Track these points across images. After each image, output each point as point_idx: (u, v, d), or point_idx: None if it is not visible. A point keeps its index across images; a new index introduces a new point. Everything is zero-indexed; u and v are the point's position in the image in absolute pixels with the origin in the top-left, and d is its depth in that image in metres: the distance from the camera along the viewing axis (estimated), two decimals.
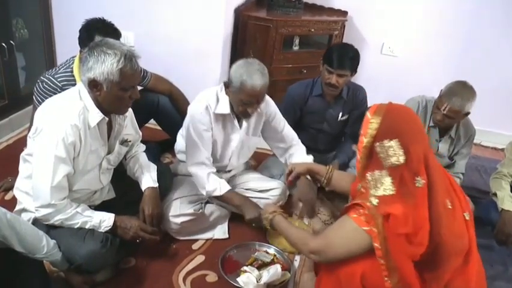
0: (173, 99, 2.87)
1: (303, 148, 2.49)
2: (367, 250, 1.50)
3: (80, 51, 2.36)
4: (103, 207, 2.05)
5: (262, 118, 2.41)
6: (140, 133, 2.22)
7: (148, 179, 2.09)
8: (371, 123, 1.51)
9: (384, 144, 1.48)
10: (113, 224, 1.90)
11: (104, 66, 1.69)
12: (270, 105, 2.43)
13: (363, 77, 3.79)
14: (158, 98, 2.85)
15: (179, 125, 2.54)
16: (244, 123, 2.33)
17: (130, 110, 2.06)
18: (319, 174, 2.05)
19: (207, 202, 2.45)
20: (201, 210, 2.36)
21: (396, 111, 1.54)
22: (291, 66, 3.66)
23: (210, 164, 2.28)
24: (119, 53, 1.70)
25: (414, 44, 3.96)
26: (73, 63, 2.40)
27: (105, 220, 1.89)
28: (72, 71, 2.38)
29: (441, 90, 2.48)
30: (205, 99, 2.24)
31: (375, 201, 1.50)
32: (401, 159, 1.46)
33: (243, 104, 2.14)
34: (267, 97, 2.43)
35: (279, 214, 1.91)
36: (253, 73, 2.07)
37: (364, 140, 1.53)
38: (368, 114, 1.55)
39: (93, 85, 1.74)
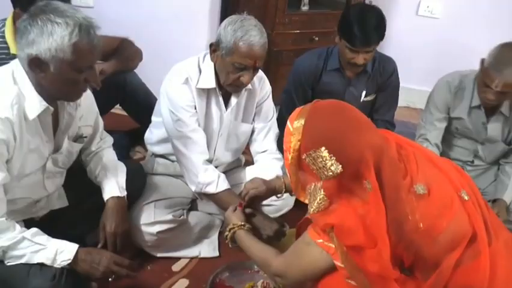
0: (121, 51, 2.87)
1: (279, 154, 2.52)
2: (331, 271, 1.59)
3: (15, 12, 2.37)
4: (49, 219, 2.05)
5: (255, 99, 2.45)
6: (102, 125, 2.23)
7: (113, 186, 2.10)
8: (293, 135, 1.59)
9: (311, 155, 1.55)
10: (75, 257, 1.81)
11: (52, 40, 1.65)
12: (265, 84, 2.47)
13: (393, 45, 3.83)
14: (125, 77, 2.89)
15: (151, 111, 2.57)
16: (232, 103, 2.36)
17: (90, 94, 2.07)
18: (275, 190, 2.19)
19: (191, 208, 2.49)
20: (182, 217, 2.39)
21: (319, 112, 1.60)
22: (298, 33, 3.69)
23: (206, 150, 2.32)
24: (72, 23, 1.66)
25: (459, 2, 4.00)
26: (3, 26, 2.41)
27: (63, 251, 1.79)
28: (4, 37, 2.38)
29: (482, 60, 2.48)
30: (185, 71, 2.27)
31: (312, 217, 1.60)
32: (337, 168, 1.52)
33: (236, 70, 2.16)
34: (263, 74, 2.46)
35: (240, 228, 1.99)
36: (249, 29, 2.10)
37: (288, 156, 1.62)
38: (289, 123, 1.63)
39: (35, 64, 1.70)
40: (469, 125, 2.71)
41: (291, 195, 2.31)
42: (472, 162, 2.81)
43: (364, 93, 2.83)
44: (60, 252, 1.79)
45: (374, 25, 2.52)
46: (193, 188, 2.30)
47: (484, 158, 2.79)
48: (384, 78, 2.82)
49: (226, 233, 2.02)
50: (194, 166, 2.28)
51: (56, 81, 1.73)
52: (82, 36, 1.67)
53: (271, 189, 2.18)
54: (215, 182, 2.27)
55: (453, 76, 2.69)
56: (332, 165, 1.52)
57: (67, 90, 1.79)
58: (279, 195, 2.20)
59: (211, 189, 2.27)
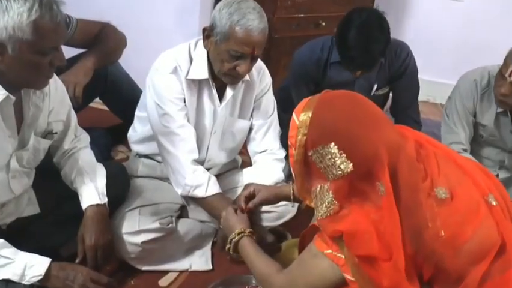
0: (102, 41, 2.83)
1: (281, 154, 2.53)
2: (341, 285, 1.59)
3: None
4: (18, 228, 2.05)
5: (253, 92, 2.45)
6: (75, 120, 2.23)
7: (91, 192, 2.10)
8: (299, 129, 1.59)
9: (319, 151, 1.55)
10: (47, 272, 1.81)
11: (8, 17, 1.64)
12: (265, 75, 2.47)
13: (412, 32, 3.83)
14: (107, 69, 2.89)
15: (136, 105, 2.58)
16: (227, 96, 2.36)
17: (61, 85, 2.07)
18: (286, 198, 2.20)
19: (180, 216, 2.49)
20: (170, 225, 2.39)
21: (328, 103, 1.60)
22: (303, 17, 3.70)
23: (195, 149, 2.32)
24: None
25: None
26: None
27: (33, 266, 1.80)
28: None
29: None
30: (173, 59, 2.27)
31: (320, 223, 1.60)
32: (347, 167, 1.52)
33: (231, 59, 2.16)
34: (262, 64, 2.46)
35: (248, 235, 2.00)
36: (247, 12, 2.10)
37: (294, 153, 1.62)
38: (295, 115, 1.63)
39: None
40: (495, 132, 2.70)
41: (303, 207, 2.30)
42: (497, 176, 2.76)
43: (376, 85, 2.84)
44: (29, 267, 1.79)
45: (379, 50, 2.51)
46: (180, 191, 2.30)
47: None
48: (397, 65, 2.83)
49: (233, 236, 2.01)
50: (181, 166, 2.28)
51: (15, 65, 1.72)
52: (43, 12, 1.66)
53: (280, 199, 2.21)
54: (204, 184, 2.28)
55: (482, 74, 2.67)
56: (341, 163, 1.52)
57: (29, 76, 1.79)
58: (292, 205, 2.21)
59: (199, 193, 2.28)
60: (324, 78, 2.80)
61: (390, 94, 2.99)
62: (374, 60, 2.54)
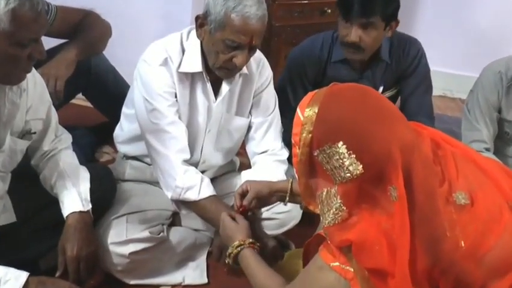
0: (85, 30, 2.81)
1: (283, 155, 2.53)
2: None
3: None
4: None
5: (252, 86, 2.45)
6: (56, 118, 2.23)
7: (74, 198, 2.10)
8: (304, 126, 1.58)
9: (326, 151, 1.54)
10: (24, 287, 1.80)
11: None
12: (265, 68, 2.48)
13: (426, 19, 3.82)
14: (90, 61, 2.89)
15: (122, 101, 2.57)
16: (223, 91, 2.36)
17: (40, 80, 2.07)
18: (282, 192, 2.18)
19: (172, 224, 2.49)
20: (161, 234, 2.39)
21: (337, 97, 1.59)
22: (306, 3, 3.71)
23: (186, 149, 2.32)
24: None
25: None
26: None
27: (9, 280, 1.79)
28: None
29: None
30: (164, 50, 2.27)
31: (327, 231, 1.59)
32: (356, 169, 1.51)
33: (227, 49, 2.16)
34: (262, 56, 2.46)
35: (249, 246, 1.98)
36: None
37: (297, 152, 1.60)
38: (299, 111, 1.62)
39: None
40: None
41: (301, 208, 2.31)
42: None
43: (382, 87, 2.83)
44: (4, 282, 1.78)
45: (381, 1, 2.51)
46: (170, 194, 2.29)
47: None
48: (406, 64, 2.82)
49: (231, 251, 1.99)
50: (171, 166, 2.27)
51: None
52: (22, 0, 1.67)
53: (275, 192, 2.18)
54: (197, 186, 2.27)
55: (507, 64, 2.65)
56: (350, 164, 1.50)
57: (5, 69, 1.80)
58: (285, 202, 2.19)
59: (192, 195, 2.27)
60: (323, 78, 2.80)
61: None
62: (373, 9, 2.49)
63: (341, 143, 1.51)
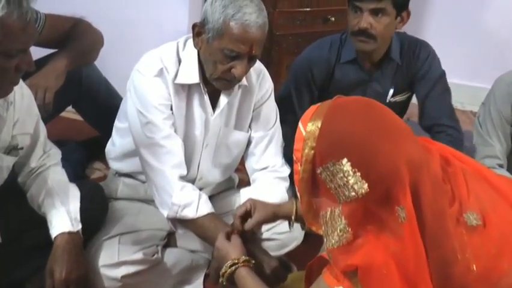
0: (76, 39, 2.80)
1: (284, 172, 2.53)
2: None
3: None
4: None
5: (252, 98, 2.45)
6: (45, 133, 2.23)
7: (63, 218, 2.09)
8: (306, 141, 1.57)
9: (329, 168, 1.53)
10: None
11: None
12: (266, 79, 2.48)
13: (433, 27, 3.82)
14: (81, 72, 2.89)
15: (115, 114, 2.57)
16: (222, 104, 2.35)
17: (28, 93, 2.07)
18: (287, 217, 2.17)
19: (167, 245, 2.48)
20: (156, 256, 2.38)
21: (341, 111, 1.58)
22: (309, 11, 3.71)
23: (183, 164, 2.31)
24: None
25: None
26: None
27: None
28: None
29: None
30: (159, 60, 2.26)
31: (330, 254, 1.58)
32: (361, 187, 1.50)
33: (226, 59, 2.15)
34: (262, 66, 2.46)
35: (244, 265, 1.98)
36: (244, 4, 2.09)
37: (299, 169, 1.60)
38: (301, 125, 1.61)
39: None
40: None
41: (303, 228, 2.28)
42: None
43: (392, 90, 2.84)
44: None
45: None
46: (166, 213, 2.27)
47: None
48: (416, 67, 2.82)
49: (225, 270, 1.98)
50: (167, 182, 2.26)
51: None
52: (10, 8, 1.67)
53: (280, 218, 2.19)
54: (194, 203, 2.25)
55: None
56: (355, 183, 1.49)
57: None
58: (290, 227, 2.18)
59: (189, 213, 2.25)
60: (331, 81, 2.81)
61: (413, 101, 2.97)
62: None
63: (345, 160, 1.50)
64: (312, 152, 1.56)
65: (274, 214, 2.17)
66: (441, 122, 2.82)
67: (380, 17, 2.56)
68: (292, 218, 2.15)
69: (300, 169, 1.59)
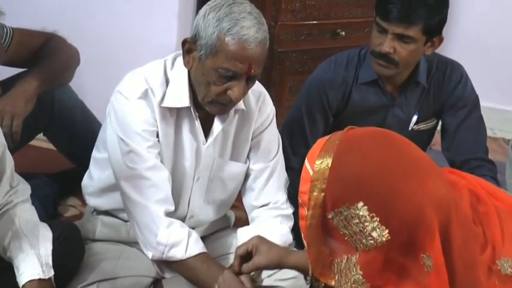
0: (47, 57, 2.82)
1: (288, 209, 2.53)
2: None
3: None
4: None
5: (250, 125, 2.46)
6: (12, 165, 2.23)
7: (32, 263, 2.08)
8: (314, 183, 1.56)
9: (343, 213, 1.53)
10: None
11: None
12: (266, 103, 2.49)
13: (458, 45, 3.85)
14: (54, 94, 2.91)
15: (92, 143, 2.58)
16: (215, 131, 2.36)
17: None
18: (296, 268, 2.15)
19: None
20: None
21: (354, 145, 1.58)
22: (315, 24, 3.73)
23: (170, 199, 2.31)
24: None
25: None
26: None
27: None
28: None
29: None
30: (143, 80, 2.27)
31: None
32: (381, 235, 1.50)
33: (221, 80, 2.15)
34: (262, 88, 2.48)
35: None
36: (241, 17, 2.10)
37: (307, 214, 1.59)
38: (307, 163, 1.60)
39: None
40: None
41: (307, 282, 2.24)
42: None
43: (415, 117, 2.86)
44: None
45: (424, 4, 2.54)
46: (150, 254, 2.27)
47: None
48: (447, 91, 2.84)
49: None
50: (152, 219, 2.26)
51: None
52: None
53: (283, 267, 2.19)
54: (184, 242, 2.25)
55: None
56: (373, 229, 1.50)
57: None
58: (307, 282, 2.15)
59: (177, 253, 2.25)
60: (347, 103, 2.83)
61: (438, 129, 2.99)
62: (415, 15, 2.52)
63: (361, 203, 1.50)
64: (322, 194, 1.55)
65: (280, 261, 2.15)
66: (479, 156, 2.83)
67: (406, 42, 2.57)
68: (310, 272, 2.01)
69: (308, 214, 1.59)
